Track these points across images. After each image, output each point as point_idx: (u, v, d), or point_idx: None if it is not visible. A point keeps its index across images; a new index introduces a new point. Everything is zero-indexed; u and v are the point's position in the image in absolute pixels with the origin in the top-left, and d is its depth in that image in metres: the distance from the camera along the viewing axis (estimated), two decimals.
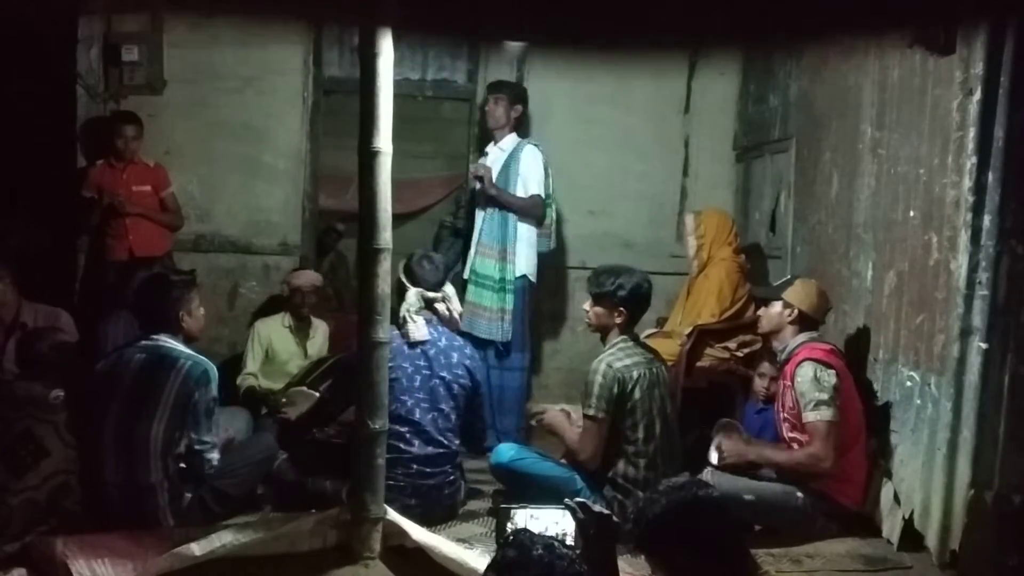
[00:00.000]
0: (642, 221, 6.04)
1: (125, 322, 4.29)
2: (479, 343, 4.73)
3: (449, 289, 4.07)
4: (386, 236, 3.14)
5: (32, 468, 3.37)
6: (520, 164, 4.96)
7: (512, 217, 4.94)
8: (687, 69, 5.97)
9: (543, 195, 5.03)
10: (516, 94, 5.11)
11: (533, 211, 5.00)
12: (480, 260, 4.97)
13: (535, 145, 5.08)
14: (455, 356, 3.92)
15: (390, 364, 3.54)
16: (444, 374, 3.86)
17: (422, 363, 3.84)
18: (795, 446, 3.74)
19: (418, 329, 3.84)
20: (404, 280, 3.93)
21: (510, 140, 5.07)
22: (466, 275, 4.95)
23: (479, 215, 5.06)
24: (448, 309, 3.99)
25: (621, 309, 3.79)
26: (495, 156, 5.07)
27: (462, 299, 4.57)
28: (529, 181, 4.96)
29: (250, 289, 5.70)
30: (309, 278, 5.15)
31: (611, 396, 3.67)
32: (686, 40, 5.17)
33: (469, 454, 4.21)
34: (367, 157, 3.10)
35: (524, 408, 5.11)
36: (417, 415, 3.79)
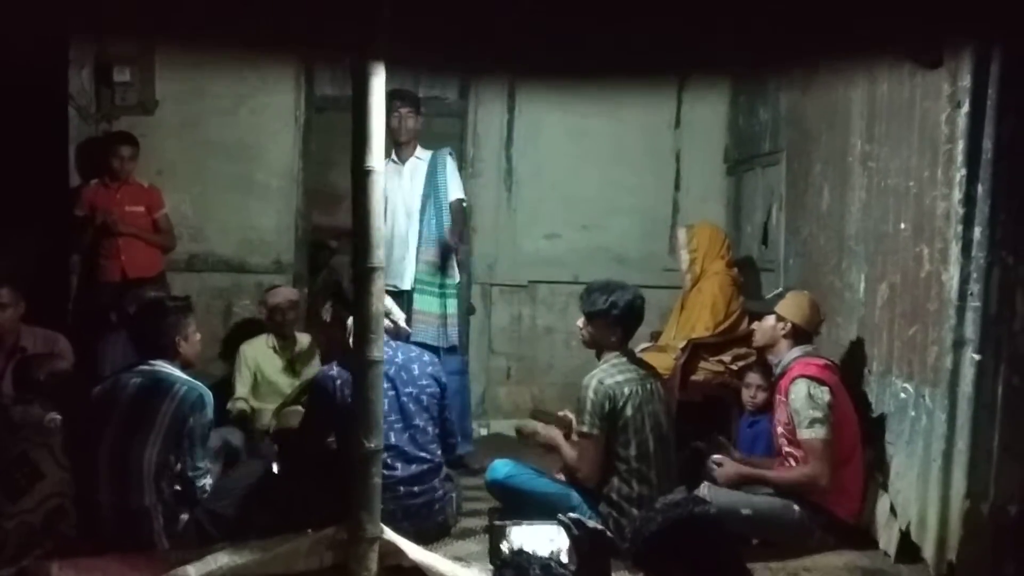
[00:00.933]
0: (635, 235, 6.06)
1: (125, 343, 4.28)
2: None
3: (388, 302, 4.04)
4: (379, 255, 3.14)
5: (27, 491, 3.36)
6: (447, 170, 5.00)
7: (445, 226, 4.96)
8: (677, 83, 6.01)
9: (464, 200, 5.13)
10: (419, 104, 5.12)
11: (463, 218, 5.07)
12: (422, 267, 4.96)
13: (450, 153, 5.13)
14: (416, 368, 3.86)
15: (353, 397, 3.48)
16: (410, 389, 3.80)
17: (385, 385, 3.71)
18: (791, 461, 3.75)
19: None
20: (341, 309, 3.86)
21: (421, 150, 5.08)
22: (408, 285, 4.91)
23: (407, 224, 5.02)
24: (393, 322, 3.91)
25: (616, 328, 3.78)
26: (413, 166, 5.05)
27: (409, 309, 4.67)
28: (454, 186, 5.00)
29: (244, 308, 5.68)
30: (285, 294, 5.12)
31: (603, 412, 3.65)
32: (676, 70, 5.22)
33: (462, 471, 4.20)
34: (359, 176, 3.11)
35: (469, 410, 5.16)
36: (393, 438, 3.70)
